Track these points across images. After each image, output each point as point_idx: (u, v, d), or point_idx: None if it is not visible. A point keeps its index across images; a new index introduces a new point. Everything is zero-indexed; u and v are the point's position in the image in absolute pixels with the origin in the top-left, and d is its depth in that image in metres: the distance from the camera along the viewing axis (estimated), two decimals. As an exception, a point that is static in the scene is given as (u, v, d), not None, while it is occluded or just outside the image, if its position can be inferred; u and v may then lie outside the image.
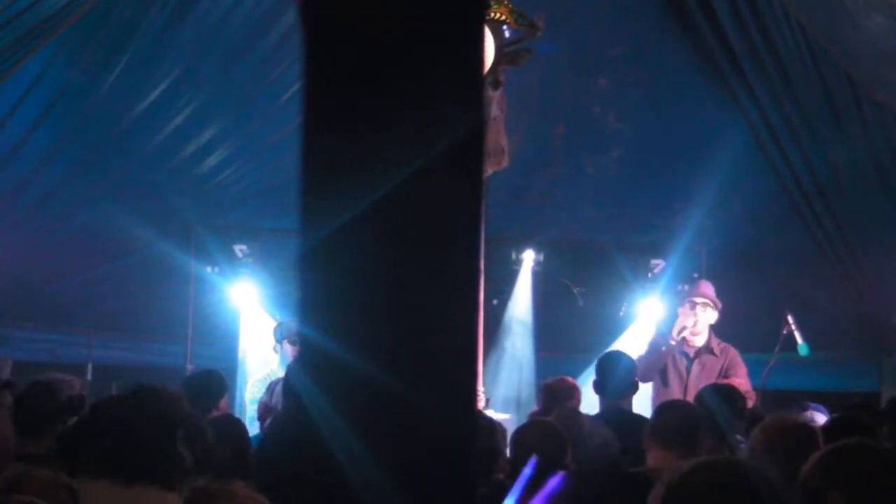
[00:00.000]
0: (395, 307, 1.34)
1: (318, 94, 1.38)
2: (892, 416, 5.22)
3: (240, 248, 9.18)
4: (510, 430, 4.65)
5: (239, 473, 3.10)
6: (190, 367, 8.55)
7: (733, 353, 7.09)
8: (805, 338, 7.06)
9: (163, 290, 9.30)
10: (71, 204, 8.56)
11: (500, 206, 8.40)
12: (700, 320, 7.12)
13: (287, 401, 5.52)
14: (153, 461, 3.27)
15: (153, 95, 7.93)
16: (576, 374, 6.99)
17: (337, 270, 1.35)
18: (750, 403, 6.05)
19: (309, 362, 1.37)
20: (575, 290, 9.43)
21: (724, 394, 5.34)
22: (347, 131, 1.36)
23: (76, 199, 8.54)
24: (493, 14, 5.88)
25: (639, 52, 8.49)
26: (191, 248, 9.12)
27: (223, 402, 6.00)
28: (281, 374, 6.93)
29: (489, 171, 5.97)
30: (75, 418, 4.66)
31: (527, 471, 3.41)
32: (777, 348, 6.99)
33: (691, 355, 7.06)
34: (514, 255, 9.37)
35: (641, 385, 6.37)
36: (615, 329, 9.06)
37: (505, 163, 6.22)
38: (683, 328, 7.10)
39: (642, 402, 6.76)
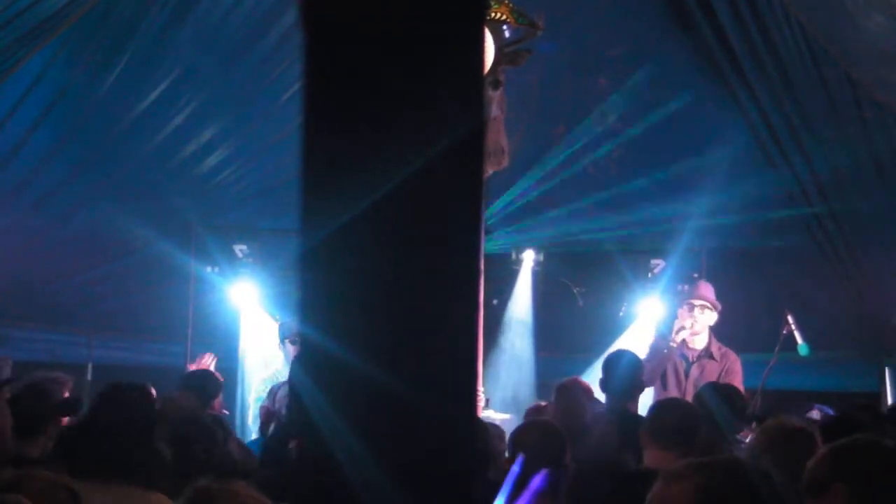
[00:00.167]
0: (395, 307, 1.34)
1: (318, 94, 1.38)
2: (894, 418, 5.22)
3: (240, 248, 9.18)
4: (510, 430, 4.65)
5: (205, 472, 3.11)
6: (190, 368, 8.54)
7: (733, 358, 7.09)
8: (805, 338, 7.06)
9: (163, 290, 9.30)
10: (71, 204, 8.55)
11: (500, 206, 8.41)
12: (698, 322, 7.12)
13: (291, 403, 5.53)
14: (128, 459, 3.29)
15: (153, 95, 7.92)
16: (576, 375, 6.98)
17: (337, 270, 1.35)
18: None
19: (309, 362, 1.38)
20: (575, 290, 9.43)
21: (724, 394, 5.34)
22: (347, 131, 1.36)
23: (76, 199, 8.54)
24: (493, 14, 5.88)
25: (639, 52, 8.49)
26: (191, 248, 9.12)
27: (217, 402, 6.01)
28: (286, 372, 6.94)
29: (489, 171, 5.97)
30: (70, 418, 4.67)
31: (515, 469, 3.42)
32: (777, 348, 6.99)
33: (691, 358, 7.05)
34: (514, 255, 9.37)
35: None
36: (615, 329, 9.06)
37: (505, 163, 6.22)
38: (682, 329, 7.10)
39: (644, 405, 6.76)
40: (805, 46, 7.53)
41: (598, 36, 8.48)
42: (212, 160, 8.64)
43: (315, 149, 1.37)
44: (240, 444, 4.81)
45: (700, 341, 7.13)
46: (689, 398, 6.08)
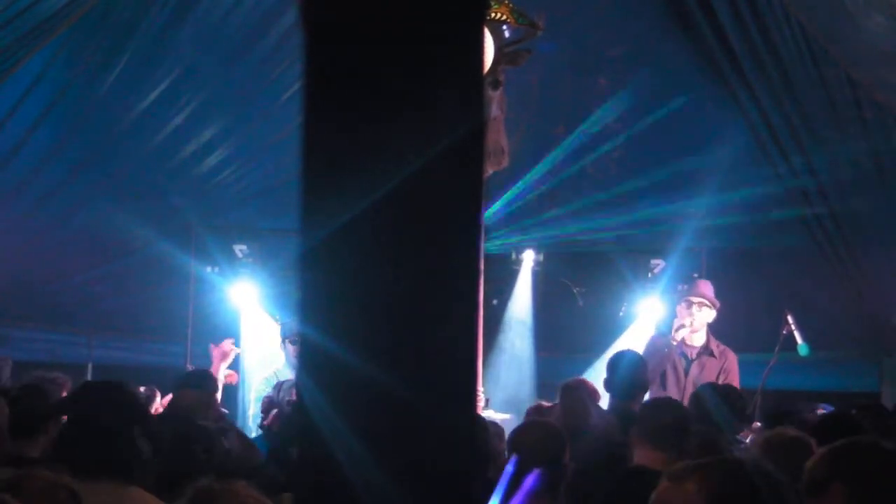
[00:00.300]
0: (394, 307, 1.34)
1: (318, 94, 1.38)
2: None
3: (240, 248, 9.18)
4: (510, 430, 4.65)
5: (205, 472, 3.13)
6: (190, 368, 8.54)
7: (732, 357, 7.10)
8: (805, 338, 7.07)
9: (163, 290, 9.30)
10: (71, 204, 8.55)
11: (501, 206, 8.41)
12: (697, 320, 7.13)
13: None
14: (108, 455, 3.31)
15: (153, 95, 7.92)
16: (575, 375, 6.98)
17: (337, 270, 1.35)
18: None
19: (309, 362, 1.38)
20: (575, 290, 9.43)
21: (724, 393, 5.34)
22: (347, 131, 1.36)
23: (76, 199, 8.54)
24: (493, 14, 5.88)
25: (639, 52, 8.48)
26: (191, 248, 9.12)
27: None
28: (286, 372, 6.94)
29: (489, 171, 5.97)
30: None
31: (509, 468, 3.43)
32: (777, 348, 6.99)
33: (690, 356, 7.06)
34: (514, 255, 9.37)
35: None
36: (615, 329, 9.05)
37: (505, 163, 6.22)
38: (682, 327, 7.11)
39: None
40: (805, 46, 7.53)
41: (598, 36, 8.48)
42: (212, 160, 8.64)
43: (315, 149, 1.37)
44: (242, 438, 4.81)
45: (698, 339, 7.14)
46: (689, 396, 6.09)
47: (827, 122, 8.05)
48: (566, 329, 9.45)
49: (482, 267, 1.57)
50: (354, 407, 1.33)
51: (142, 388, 6.75)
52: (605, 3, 8.36)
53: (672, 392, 6.88)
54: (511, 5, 5.99)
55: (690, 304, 7.18)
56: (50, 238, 8.70)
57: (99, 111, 7.99)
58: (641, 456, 4.26)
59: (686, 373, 6.99)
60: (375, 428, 1.33)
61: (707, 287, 7.36)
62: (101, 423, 3.52)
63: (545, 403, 6.46)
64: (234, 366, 8.51)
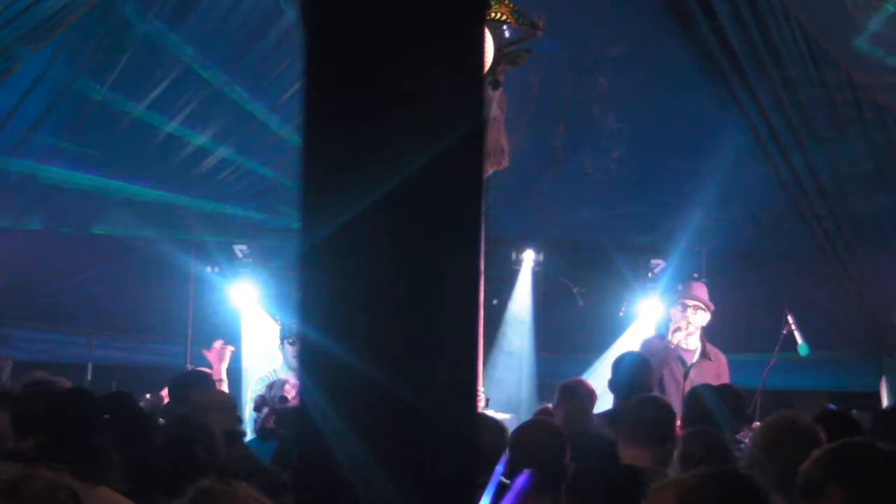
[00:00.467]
0: (394, 307, 1.34)
1: (318, 94, 1.38)
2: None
3: (240, 248, 9.18)
4: (510, 430, 4.65)
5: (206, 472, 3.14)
6: (190, 368, 8.54)
7: (723, 360, 7.12)
8: (805, 338, 7.07)
9: (163, 290, 9.29)
10: (71, 204, 8.55)
11: (500, 206, 8.40)
12: (692, 323, 7.14)
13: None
14: (72, 456, 3.33)
15: (153, 95, 7.93)
16: (576, 375, 6.98)
17: (337, 270, 1.35)
18: None
19: (309, 362, 1.38)
20: (575, 290, 9.42)
21: (724, 394, 5.34)
22: (347, 131, 1.36)
23: (76, 199, 8.54)
24: (493, 14, 5.88)
25: (639, 52, 8.49)
26: (191, 248, 9.12)
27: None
28: (283, 373, 6.94)
29: (489, 171, 5.97)
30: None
31: (499, 469, 3.43)
32: (777, 348, 6.99)
33: (687, 360, 7.06)
34: (514, 255, 9.37)
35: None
36: (615, 329, 9.05)
37: (505, 163, 6.22)
38: (678, 330, 7.12)
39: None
40: (805, 46, 7.53)
41: (598, 36, 8.48)
42: (212, 160, 8.64)
43: (315, 149, 1.37)
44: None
45: (693, 342, 7.14)
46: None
47: (827, 122, 8.06)
48: (566, 329, 9.45)
49: (482, 267, 1.57)
50: (355, 407, 1.33)
51: (148, 395, 6.77)
52: (605, 3, 8.36)
53: (672, 395, 6.86)
54: (511, 5, 5.99)
55: (685, 307, 7.18)
56: (50, 238, 8.70)
57: (99, 111, 7.99)
58: (626, 453, 4.30)
59: (685, 376, 6.98)
60: (376, 428, 1.33)
61: (702, 290, 7.36)
62: (57, 424, 3.59)
63: (550, 406, 6.45)
64: (235, 366, 8.52)
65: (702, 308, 7.19)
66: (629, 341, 8.50)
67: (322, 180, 1.36)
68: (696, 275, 8.63)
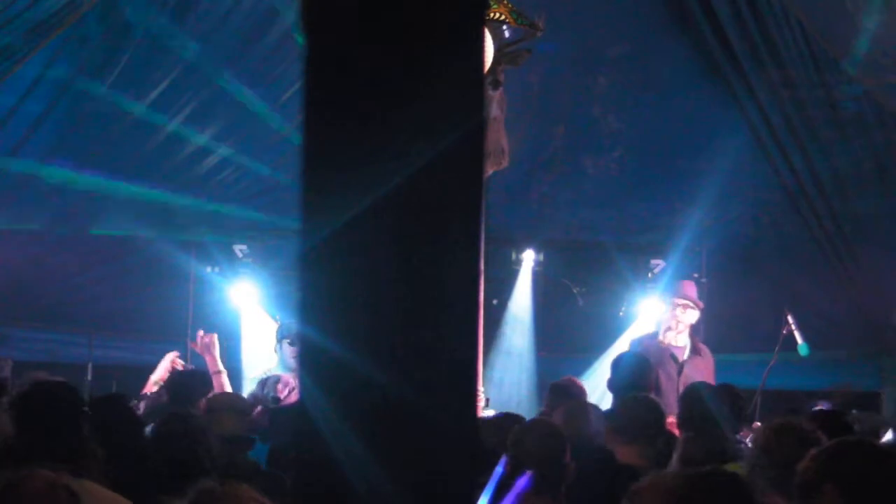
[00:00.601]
0: (395, 307, 1.34)
1: (318, 94, 1.38)
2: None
3: (240, 248, 9.18)
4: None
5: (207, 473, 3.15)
6: (189, 367, 8.54)
7: (710, 357, 7.14)
8: (805, 338, 7.07)
9: (163, 290, 9.29)
10: (71, 204, 8.55)
11: (500, 206, 8.40)
12: (681, 321, 7.15)
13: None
14: (53, 449, 3.35)
15: (153, 95, 7.93)
16: (576, 375, 6.99)
17: (337, 270, 1.35)
18: None
19: (309, 362, 1.38)
20: (575, 290, 9.42)
21: (723, 393, 5.33)
22: (348, 131, 1.36)
23: (76, 199, 8.54)
24: (493, 14, 5.88)
25: (639, 52, 8.49)
26: (191, 248, 9.12)
27: (203, 403, 6.01)
28: (278, 372, 6.93)
29: (489, 171, 5.97)
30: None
31: (499, 469, 3.43)
32: (777, 348, 7.00)
33: (679, 358, 7.07)
34: (514, 255, 9.37)
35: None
36: (615, 329, 9.05)
37: (505, 163, 6.22)
38: (669, 329, 7.14)
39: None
40: (805, 46, 7.53)
41: (598, 36, 8.48)
42: (212, 160, 8.64)
43: (315, 149, 1.37)
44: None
45: (682, 339, 7.16)
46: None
47: (827, 122, 8.06)
48: (566, 329, 9.44)
49: (482, 267, 1.57)
50: (354, 407, 1.33)
51: (148, 394, 6.77)
52: (605, 2, 8.36)
53: (668, 393, 6.87)
54: (511, 5, 5.99)
55: (675, 306, 7.20)
56: (50, 238, 8.70)
57: (99, 111, 7.99)
58: (618, 453, 4.32)
59: (679, 374, 6.99)
60: (375, 427, 1.33)
61: (691, 288, 7.38)
62: (44, 419, 3.62)
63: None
64: (234, 366, 8.52)
65: (691, 306, 7.20)
66: (629, 341, 8.49)
67: (322, 180, 1.36)
68: (695, 275, 8.64)
